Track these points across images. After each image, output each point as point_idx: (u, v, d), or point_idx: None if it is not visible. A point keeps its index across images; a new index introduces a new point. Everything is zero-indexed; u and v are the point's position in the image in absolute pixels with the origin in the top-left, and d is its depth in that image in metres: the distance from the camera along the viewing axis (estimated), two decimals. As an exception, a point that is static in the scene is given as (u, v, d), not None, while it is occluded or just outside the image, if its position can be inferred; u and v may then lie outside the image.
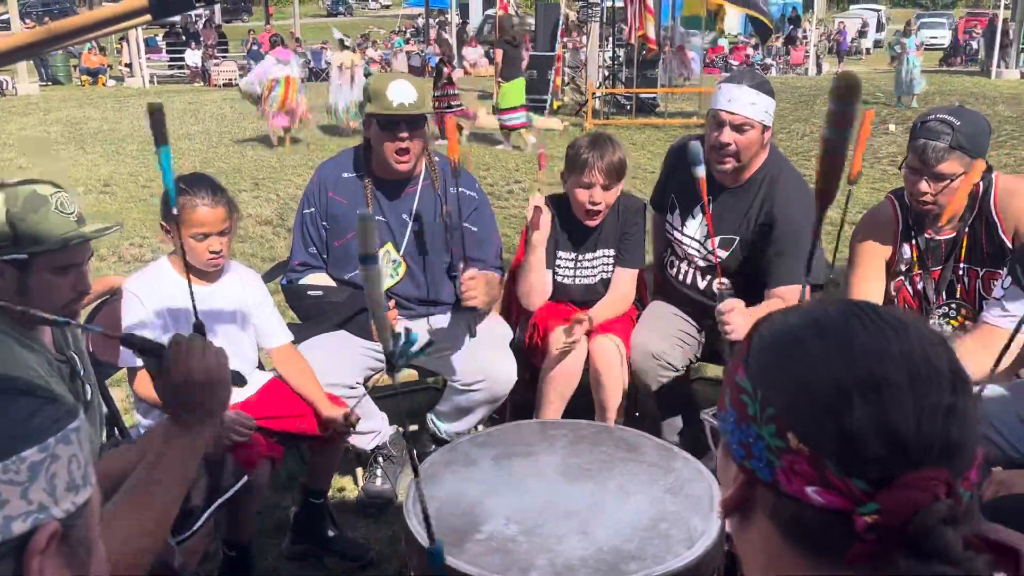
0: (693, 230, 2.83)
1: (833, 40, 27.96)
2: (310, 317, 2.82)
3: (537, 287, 2.86)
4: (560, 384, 2.80)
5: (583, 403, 2.89)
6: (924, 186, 2.26)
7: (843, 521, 0.65)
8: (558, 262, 2.95)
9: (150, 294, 2.30)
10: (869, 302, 0.74)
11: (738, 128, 2.59)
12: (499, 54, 11.19)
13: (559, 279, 2.96)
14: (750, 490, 0.73)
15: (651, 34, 12.49)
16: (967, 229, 2.35)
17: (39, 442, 0.72)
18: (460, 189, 2.79)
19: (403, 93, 2.57)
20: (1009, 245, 2.28)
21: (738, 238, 2.74)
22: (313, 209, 2.80)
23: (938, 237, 2.40)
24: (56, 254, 1.69)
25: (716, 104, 2.63)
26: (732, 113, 2.58)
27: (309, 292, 2.78)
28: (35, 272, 1.69)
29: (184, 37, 24.33)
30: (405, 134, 2.60)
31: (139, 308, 2.28)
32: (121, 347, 2.35)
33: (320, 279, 2.83)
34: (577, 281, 2.98)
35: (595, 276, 2.98)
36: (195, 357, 1.26)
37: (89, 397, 1.92)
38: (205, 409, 1.29)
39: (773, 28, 13.41)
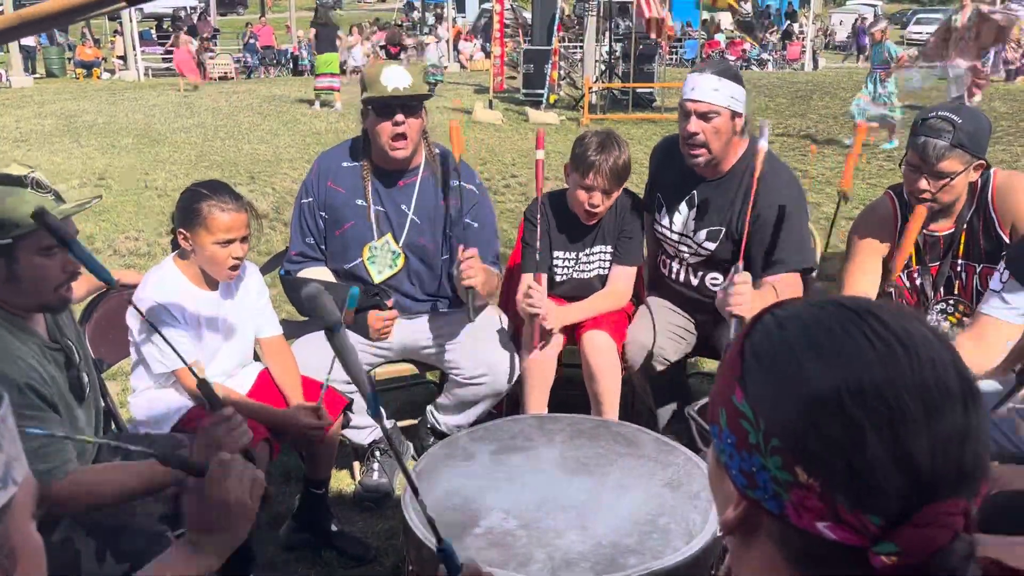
0: (680, 225, 2.84)
1: (830, 35, 27.90)
2: (307, 312, 2.82)
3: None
4: (536, 375, 2.79)
5: (579, 397, 2.90)
6: (924, 183, 2.27)
7: (857, 555, 0.63)
8: (555, 260, 2.93)
9: (172, 306, 2.29)
10: (867, 303, 0.70)
11: (704, 116, 2.59)
12: (312, 32, 13.96)
13: (557, 278, 2.95)
14: (754, 516, 0.69)
15: (655, 12, 12.30)
16: (965, 225, 2.35)
17: None
18: (460, 183, 2.79)
19: (397, 78, 2.60)
20: (1007, 240, 2.28)
21: (724, 228, 2.74)
22: (311, 199, 2.80)
23: (936, 233, 2.41)
24: (40, 235, 1.65)
25: (682, 95, 2.66)
26: (695, 101, 2.59)
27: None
28: (21, 256, 1.66)
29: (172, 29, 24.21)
30: (401, 117, 2.61)
31: (168, 317, 2.27)
32: (134, 338, 2.35)
33: (320, 273, 2.82)
34: (574, 276, 2.98)
35: (592, 272, 2.97)
36: (234, 482, 1.20)
37: (86, 386, 1.90)
38: (228, 535, 1.22)
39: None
